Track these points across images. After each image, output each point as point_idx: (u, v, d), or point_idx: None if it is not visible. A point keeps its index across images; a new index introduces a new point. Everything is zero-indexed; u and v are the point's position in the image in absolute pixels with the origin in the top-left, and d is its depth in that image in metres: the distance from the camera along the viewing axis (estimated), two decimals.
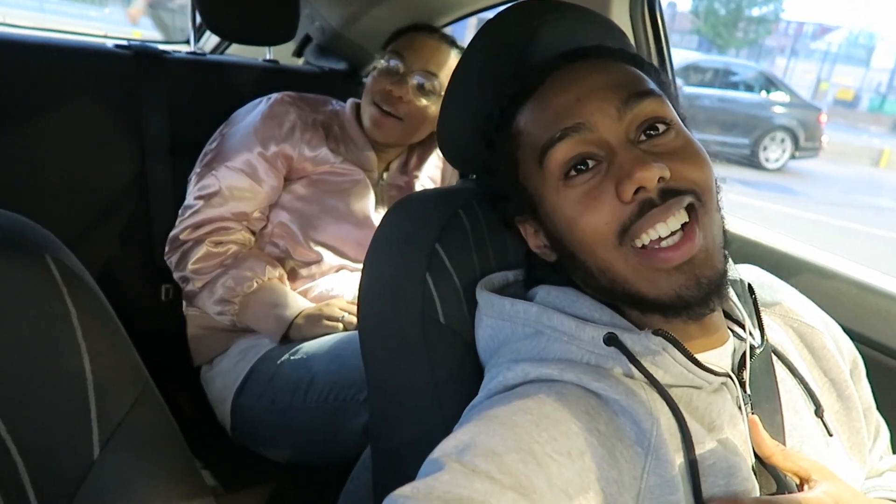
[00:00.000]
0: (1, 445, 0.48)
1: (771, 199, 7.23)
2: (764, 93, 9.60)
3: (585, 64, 0.64)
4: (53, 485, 0.49)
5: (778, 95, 9.45)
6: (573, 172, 0.61)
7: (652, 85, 0.63)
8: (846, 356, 0.74)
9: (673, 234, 0.58)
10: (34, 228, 0.52)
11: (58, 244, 0.52)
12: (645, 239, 0.58)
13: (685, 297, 0.57)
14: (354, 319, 1.24)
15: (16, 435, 0.48)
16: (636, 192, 0.57)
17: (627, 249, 0.59)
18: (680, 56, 10.15)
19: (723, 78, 9.85)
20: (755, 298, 0.68)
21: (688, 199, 0.58)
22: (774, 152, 8.96)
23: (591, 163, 0.60)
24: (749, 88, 9.80)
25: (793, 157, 9.02)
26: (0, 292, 0.48)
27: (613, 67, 0.64)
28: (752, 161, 8.59)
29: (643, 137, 0.60)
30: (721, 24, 19.60)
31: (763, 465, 0.59)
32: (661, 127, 0.61)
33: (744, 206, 6.32)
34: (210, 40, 1.89)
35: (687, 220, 0.58)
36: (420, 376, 0.70)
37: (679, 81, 8.70)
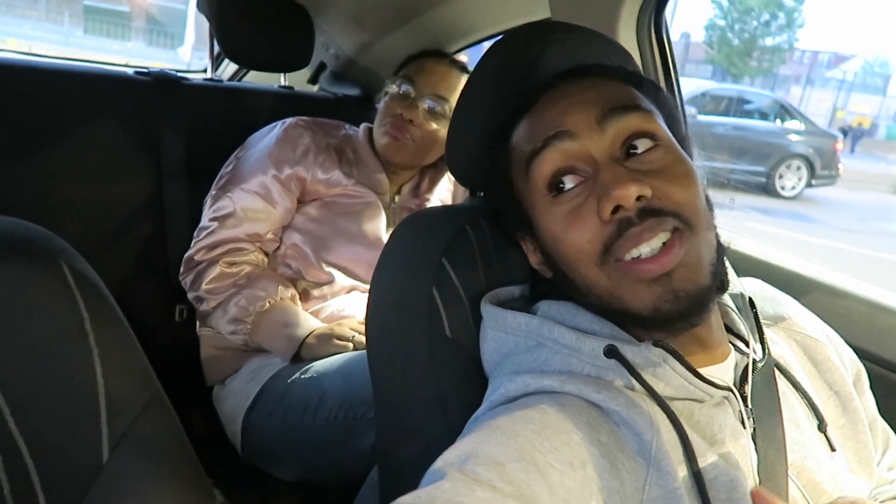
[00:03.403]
0: (13, 447, 0.49)
1: (787, 226, 7.18)
2: (779, 121, 9.59)
3: (578, 81, 0.65)
4: (63, 488, 0.50)
5: (793, 123, 9.43)
6: (556, 191, 0.61)
7: (643, 101, 0.63)
8: (849, 368, 0.73)
9: (653, 249, 0.57)
10: (50, 237, 0.53)
11: (73, 252, 0.54)
12: (626, 257, 0.58)
13: (662, 311, 0.57)
14: (364, 339, 1.25)
15: (27, 437, 0.49)
16: (615, 210, 0.57)
17: (609, 266, 0.59)
18: (694, 85, 10.18)
19: (737, 106, 9.86)
20: (756, 312, 0.68)
21: (671, 223, 0.57)
22: (790, 180, 8.91)
23: (575, 179, 0.61)
24: (764, 117, 9.80)
25: (809, 184, 8.97)
26: (16, 298, 0.50)
27: (605, 84, 0.64)
28: (767, 189, 8.55)
29: (628, 154, 0.60)
30: (735, 53, 19.69)
31: (766, 481, 0.59)
32: (647, 143, 0.60)
33: (760, 234, 6.27)
34: (227, 69, 1.94)
35: (668, 239, 0.57)
36: (427, 390, 0.71)
37: (693, 109, 8.74)
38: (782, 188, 8.85)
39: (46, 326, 0.50)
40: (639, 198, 0.57)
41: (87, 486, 0.51)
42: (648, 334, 0.60)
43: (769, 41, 20.13)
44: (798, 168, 8.94)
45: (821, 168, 8.96)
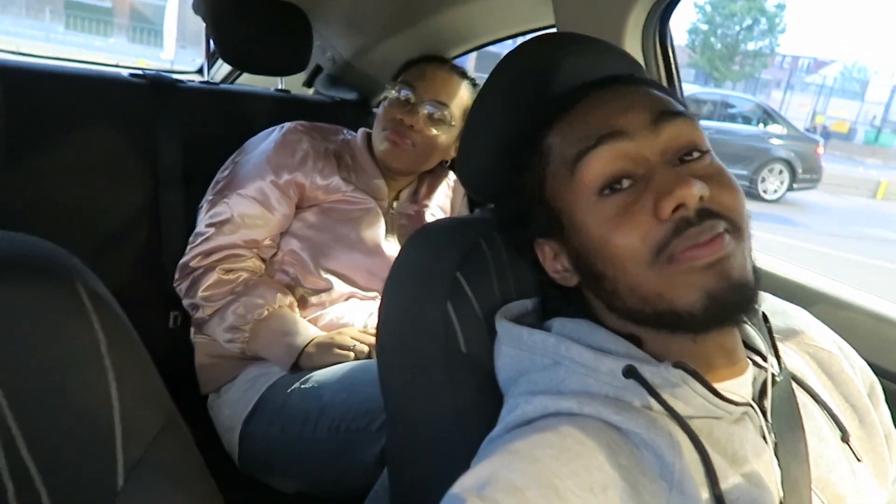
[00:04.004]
0: (25, 474, 0.47)
1: (771, 230, 7.26)
2: (761, 125, 9.71)
3: (621, 86, 0.65)
4: None
5: (775, 128, 9.56)
6: (608, 191, 0.60)
7: (684, 109, 0.64)
8: (864, 380, 0.73)
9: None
10: (64, 255, 0.52)
11: (86, 271, 0.52)
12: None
13: (715, 295, 0.56)
14: (366, 348, 1.24)
15: (40, 465, 0.47)
16: (674, 210, 0.56)
17: (659, 265, 0.57)
18: None
19: (720, 110, 9.97)
20: (770, 327, 0.67)
21: (723, 225, 0.57)
22: (773, 184, 9.03)
23: (627, 182, 0.60)
24: (746, 121, 9.92)
25: (791, 188, 9.09)
26: (31, 319, 0.48)
27: (646, 90, 0.64)
28: (750, 192, 8.65)
29: (679, 162, 0.60)
30: (717, 57, 19.92)
31: (790, 497, 0.58)
32: (697, 154, 0.61)
33: None
34: (221, 69, 1.91)
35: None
36: (441, 405, 0.69)
37: None
38: (765, 192, 8.96)
39: (61, 349, 0.48)
40: (699, 199, 0.56)
41: None
42: (678, 345, 0.60)
43: (751, 46, 20.39)
44: (780, 172, 9.07)
45: (802, 172, 9.08)
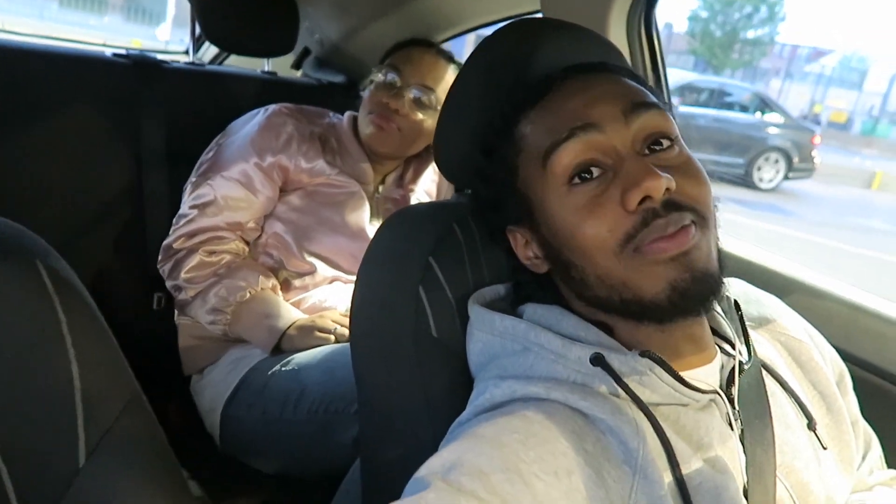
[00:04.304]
0: None
1: (765, 218, 7.27)
2: (758, 114, 9.69)
3: (592, 75, 0.65)
4: (38, 493, 0.49)
5: (772, 116, 9.54)
6: (577, 180, 0.60)
7: (655, 99, 0.64)
8: (833, 369, 0.74)
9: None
10: (25, 233, 0.51)
11: (49, 250, 0.52)
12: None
13: (679, 287, 0.57)
14: (346, 332, 1.24)
15: (1, 441, 0.48)
16: (641, 201, 0.57)
17: (626, 255, 0.58)
18: (676, 76, 10.24)
19: (718, 98, 9.94)
20: (741, 315, 0.68)
21: (689, 217, 0.58)
22: (768, 172, 9.02)
23: (596, 171, 0.60)
24: (744, 109, 9.89)
25: (786, 177, 9.08)
26: None
27: (618, 80, 0.65)
28: (745, 181, 8.65)
29: (648, 151, 0.61)
30: (717, 45, 19.82)
31: (754, 483, 0.59)
32: (666, 142, 0.61)
33: (738, 225, 6.35)
34: (209, 51, 1.90)
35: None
36: (411, 390, 0.70)
37: (674, 101, 8.79)
38: (760, 180, 8.96)
39: (21, 328, 0.48)
40: (665, 190, 0.57)
41: (64, 491, 0.49)
42: (646, 333, 0.60)
43: (751, 34, 20.29)
44: (776, 161, 9.05)
45: (798, 161, 9.08)
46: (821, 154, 9.69)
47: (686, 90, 9.66)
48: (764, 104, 9.95)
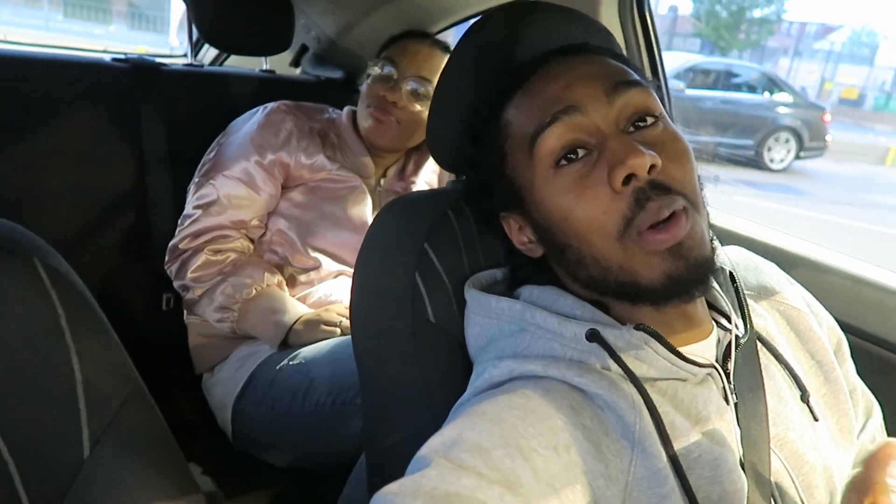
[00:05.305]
0: None
1: (776, 199, 7.21)
2: (767, 94, 9.58)
3: (573, 57, 0.65)
4: (44, 484, 0.50)
5: (781, 96, 9.42)
6: (564, 161, 0.61)
7: (638, 77, 0.64)
8: (831, 338, 0.74)
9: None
10: (22, 232, 0.53)
11: (46, 248, 0.53)
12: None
13: (674, 275, 0.57)
14: None
15: (6, 435, 0.49)
16: (627, 181, 0.57)
17: (629, 239, 0.58)
18: (681, 59, 10.14)
19: (725, 80, 9.83)
20: (737, 287, 0.68)
21: (681, 202, 0.58)
22: (779, 153, 8.92)
23: (581, 151, 0.60)
24: (752, 90, 9.78)
25: (798, 157, 8.98)
26: None
27: (600, 60, 0.65)
28: (756, 162, 8.56)
29: (632, 129, 0.61)
30: (723, 26, 19.58)
31: (749, 455, 0.59)
32: (650, 119, 0.61)
33: (749, 208, 6.30)
34: (208, 54, 1.91)
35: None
36: (411, 376, 0.71)
37: (681, 84, 8.70)
38: (771, 161, 8.86)
39: (21, 324, 0.49)
40: (650, 168, 0.57)
41: (69, 482, 0.51)
42: (642, 312, 0.61)
43: (757, 13, 20.04)
44: (787, 140, 8.95)
45: (809, 140, 8.97)
46: (833, 131, 9.57)
47: (692, 73, 9.57)
48: (772, 84, 9.83)
